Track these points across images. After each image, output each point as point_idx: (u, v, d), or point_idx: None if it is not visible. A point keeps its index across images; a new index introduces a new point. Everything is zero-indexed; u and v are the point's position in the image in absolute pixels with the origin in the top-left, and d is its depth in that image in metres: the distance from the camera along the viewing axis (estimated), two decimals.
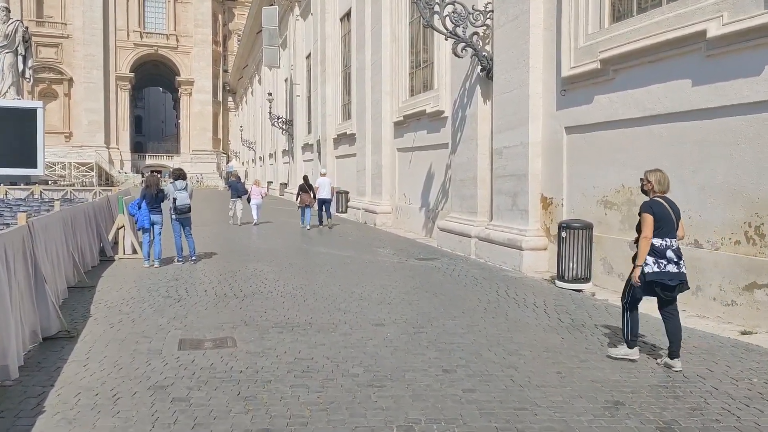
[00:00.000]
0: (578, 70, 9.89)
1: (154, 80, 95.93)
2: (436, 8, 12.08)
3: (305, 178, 20.65)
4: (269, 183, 48.01)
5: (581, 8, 9.97)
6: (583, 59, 9.77)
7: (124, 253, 12.41)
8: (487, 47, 12.58)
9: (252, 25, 55.62)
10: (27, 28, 35.95)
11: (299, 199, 19.60)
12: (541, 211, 11.20)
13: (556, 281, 9.60)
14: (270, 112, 40.74)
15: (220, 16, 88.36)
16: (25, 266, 5.84)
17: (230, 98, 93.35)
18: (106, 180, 68.43)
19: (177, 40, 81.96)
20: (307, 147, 35.22)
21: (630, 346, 5.69)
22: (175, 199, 11.42)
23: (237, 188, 21.40)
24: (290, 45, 39.62)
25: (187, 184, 11.66)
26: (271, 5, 39.66)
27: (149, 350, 5.90)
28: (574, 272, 9.35)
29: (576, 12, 10.05)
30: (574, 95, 10.21)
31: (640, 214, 5.51)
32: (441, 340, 6.35)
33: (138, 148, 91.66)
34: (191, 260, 11.87)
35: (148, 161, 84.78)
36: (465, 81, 13.76)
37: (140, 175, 73.88)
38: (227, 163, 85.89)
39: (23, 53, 34.30)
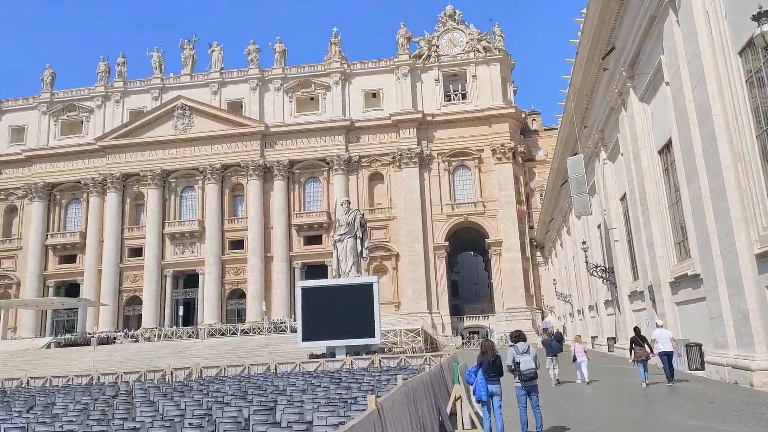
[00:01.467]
0: None
1: (465, 246, 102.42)
2: None
3: (636, 330, 20.48)
4: (593, 338, 44.28)
5: None
6: None
7: (464, 428, 11.45)
8: None
9: (555, 179, 56.03)
10: (363, 214, 41.91)
11: (633, 353, 19.06)
12: None
13: None
14: (586, 262, 38.56)
15: (521, 177, 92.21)
16: None
17: (538, 253, 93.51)
18: (431, 344, 72.16)
19: (483, 206, 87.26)
20: (635, 295, 31.66)
21: None
22: (518, 364, 10.27)
23: (552, 347, 20.85)
24: (600, 190, 38.06)
25: (529, 347, 10.49)
26: (575, 154, 39.30)
27: None
28: None
29: None
30: None
31: None
32: None
33: (455, 310, 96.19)
34: None
35: (466, 323, 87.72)
36: None
37: (460, 337, 76.38)
38: (543, 318, 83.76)
39: (360, 236, 39.66)
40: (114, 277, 78.32)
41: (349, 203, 42.13)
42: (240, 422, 8.95)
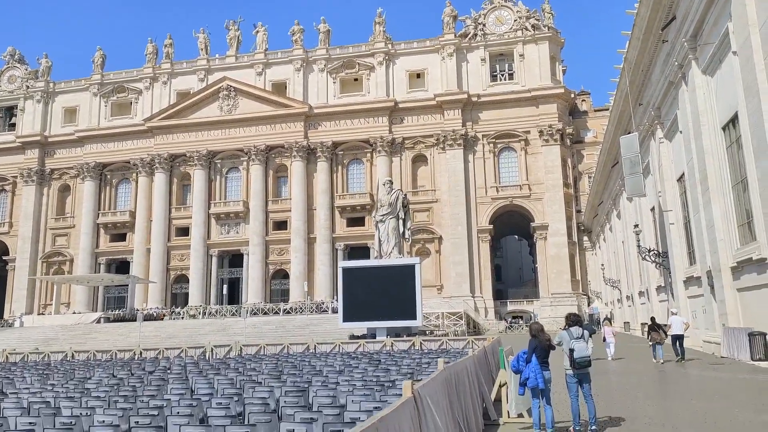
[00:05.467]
0: None
1: (510, 230, 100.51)
2: None
3: (653, 318, 26.70)
4: (643, 324, 42.50)
5: None
6: None
7: (509, 416, 10.67)
8: None
9: (605, 161, 53.93)
10: (405, 195, 41.10)
11: (650, 336, 23.54)
12: None
13: None
14: (638, 246, 36.86)
15: (569, 160, 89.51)
16: None
17: (585, 238, 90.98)
18: (473, 328, 71.23)
19: (529, 189, 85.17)
20: (691, 281, 30.03)
21: None
22: (572, 351, 9.41)
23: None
24: (654, 170, 36.21)
25: (584, 332, 9.60)
26: (628, 133, 37.46)
27: None
28: None
29: None
30: None
31: None
32: None
33: (498, 295, 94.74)
34: (591, 430, 9.41)
35: (509, 307, 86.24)
36: None
37: (503, 321, 75.15)
38: (589, 304, 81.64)
39: (403, 217, 38.91)
40: (162, 256, 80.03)
41: (392, 183, 41.40)
42: (268, 404, 8.42)
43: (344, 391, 9.89)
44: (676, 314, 24.74)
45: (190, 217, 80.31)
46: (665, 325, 23.74)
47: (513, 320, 78.32)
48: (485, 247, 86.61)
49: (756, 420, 9.89)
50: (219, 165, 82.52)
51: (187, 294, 78.88)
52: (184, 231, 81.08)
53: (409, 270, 37.00)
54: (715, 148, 24.44)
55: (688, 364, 21.30)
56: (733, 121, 22.04)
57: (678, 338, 22.83)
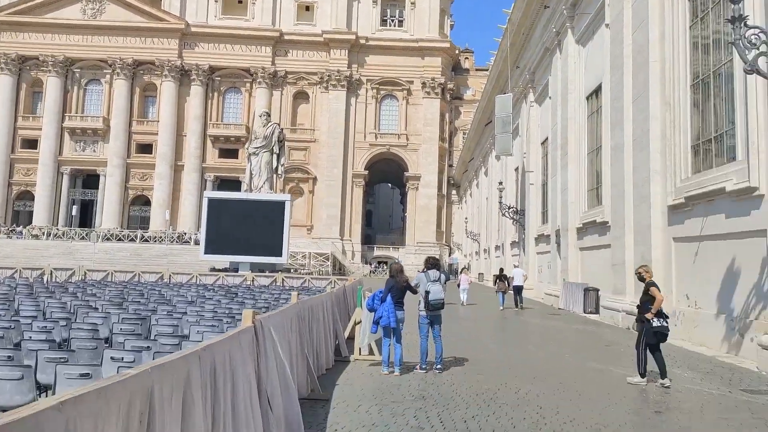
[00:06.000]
0: None
1: (384, 177, 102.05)
2: (763, 47, 8.97)
3: (501, 270, 29.32)
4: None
5: None
6: None
7: (360, 354, 10.75)
8: None
9: (480, 119, 55.83)
10: (282, 129, 39.81)
11: (497, 285, 25.89)
12: None
13: None
14: (500, 202, 38.91)
15: (447, 115, 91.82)
16: (246, 384, 4.06)
17: (454, 192, 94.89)
18: (339, 269, 72.33)
19: (407, 139, 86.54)
20: (542, 238, 32.29)
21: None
22: (427, 293, 9.53)
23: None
24: (523, 132, 38.01)
25: (440, 275, 9.75)
26: (504, 93, 38.82)
27: None
28: None
29: None
30: None
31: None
32: None
33: (367, 240, 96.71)
34: (436, 368, 9.71)
35: (376, 252, 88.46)
36: None
37: (369, 265, 76.93)
38: (450, 255, 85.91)
39: (277, 152, 37.76)
40: (3, 168, 71.75)
41: (269, 116, 39.83)
42: (98, 330, 7.69)
43: (191, 322, 9.34)
44: (518, 267, 27.23)
45: (40, 129, 72.30)
46: (510, 277, 25.68)
47: (378, 265, 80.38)
48: (359, 192, 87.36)
49: (583, 366, 10.71)
50: (78, 75, 74.55)
51: (31, 212, 71.80)
52: (32, 143, 72.98)
53: (279, 206, 36.25)
54: (577, 115, 25.95)
55: (529, 314, 22.99)
56: (597, 91, 23.40)
57: (518, 289, 24.86)
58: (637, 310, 9.57)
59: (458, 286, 27.60)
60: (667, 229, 16.05)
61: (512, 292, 25.09)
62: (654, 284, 9.19)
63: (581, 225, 24.58)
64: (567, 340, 14.50)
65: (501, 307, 24.47)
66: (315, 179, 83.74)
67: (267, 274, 27.96)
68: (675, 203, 15.41)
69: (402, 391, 8.12)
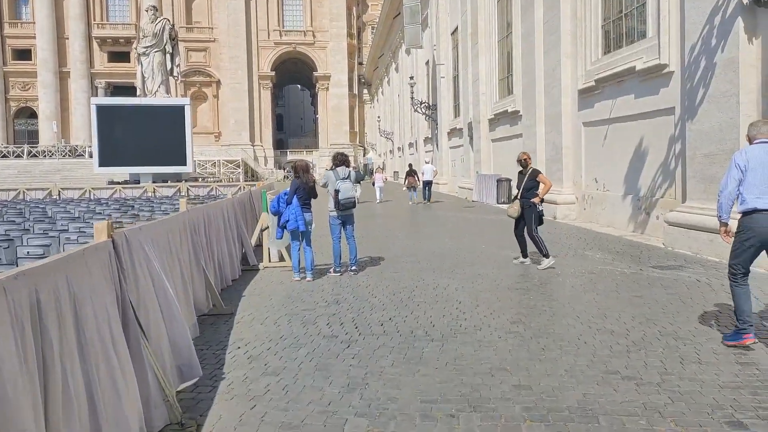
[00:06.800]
0: None
1: (293, 78, 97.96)
2: None
3: (410, 165, 28.91)
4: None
5: None
6: None
7: (270, 261, 10.06)
8: None
9: (388, 11, 53.45)
10: (173, 25, 36.24)
11: (407, 181, 26.40)
12: None
13: None
14: (412, 98, 38.08)
15: (354, 9, 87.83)
16: (102, 314, 3.25)
17: (365, 90, 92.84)
18: (252, 176, 70.30)
19: (314, 36, 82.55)
20: (454, 132, 32.11)
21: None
22: (337, 191, 8.80)
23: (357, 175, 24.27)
24: (432, 24, 36.65)
25: (350, 172, 9.00)
26: None
27: None
28: None
29: None
30: None
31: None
32: None
33: (279, 145, 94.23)
34: (351, 270, 9.22)
35: (290, 157, 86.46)
36: (711, 17, 9.78)
37: (282, 170, 75.25)
38: (364, 155, 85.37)
39: (171, 51, 34.54)
40: None
41: (156, 10, 35.96)
42: None
43: (71, 240, 8.23)
44: (428, 163, 27.70)
45: None
46: (421, 173, 26.31)
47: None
48: (267, 95, 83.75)
49: (499, 255, 10.57)
50: None
51: None
52: None
53: (178, 111, 33.70)
54: (487, 1, 24.99)
55: (444, 207, 23.00)
56: None
57: (428, 184, 25.59)
58: (519, 195, 9.51)
59: (373, 184, 28.54)
60: (578, 114, 15.95)
61: (422, 187, 25.78)
62: (541, 171, 9.70)
63: (493, 116, 24.37)
64: (482, 232, 14.45)
65: (411, 202, 25.21)
66: (219, 83, 79.12)
67: (169, 184, 26.21)
68: (585, 86, 15.21)
69: (314, 298, 7.57)
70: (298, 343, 5.54)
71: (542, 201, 9.18)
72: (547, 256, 9.04)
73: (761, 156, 4.79)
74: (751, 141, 5.05)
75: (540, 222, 9.25)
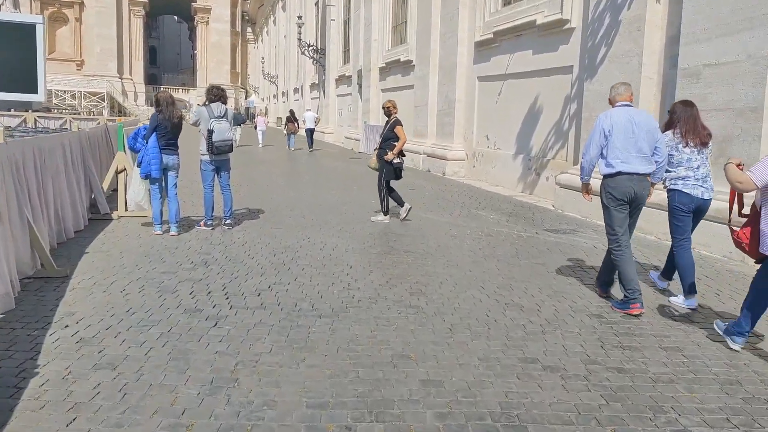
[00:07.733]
0: None
1: (169, 8, 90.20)
2: None
3: (291, 111, 28.35)
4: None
5: None
6: None
7: (126, 209, 8.54)
8: None
9: None
10: None
11: (286, 127, 26.28)
12: None
13: None
14: (299, 39, 36.01)
15: None
16: None
17: (249, 29, 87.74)
18: (120, 111, 64.39)
19: None
20: (343, 79, 30.77)
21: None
22: (210, 132, 7.44)
23: (236, 118, 22.97)
24: None
25: (227, 110, 7.67)
26: None
27: None
28: None
29: None
30: None
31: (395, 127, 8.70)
32: None
33: (152, 80, 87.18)
34: (224, 224, 8.00)
35: None
36: None
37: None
38: (246, 98, 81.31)
39: None
40: None
41: None
42: None
43: None
44: (310, 111, 28.22)
45: None
46: (302, 121, 26.42)
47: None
48: (138, 23, 76.74)
49: (391, 212, 9.79)
50: None
51: None
52: None
53: (29, 30, 29.28)
54: None
55: (329, 158, 22.03)
56: None
57: (310, 131, 25.49)
58: (378, 146, 9.04)
59: (255, 127, 28.11)
60: (473, 67, 15.41)
61: (305, 134, 25.68)
62: (401, 123, 8.80)
63: (384, 65, 23.38)
64: (369, 186, 13.62)
65: (290, 148, 24.92)
66: (82, 4, 71.07)
67: (13, 113, 22.69)
68: (483, 39, 14.63)
69: (178, 257, 6.33)
70: (149, 320, 4.37)
71: (403, 154, 8.78)
72: (385, 213, 8.79)
73: (622, 122, 4.77)
74: (612, 103, 5.04)
75: (396, 176, 8.82)
